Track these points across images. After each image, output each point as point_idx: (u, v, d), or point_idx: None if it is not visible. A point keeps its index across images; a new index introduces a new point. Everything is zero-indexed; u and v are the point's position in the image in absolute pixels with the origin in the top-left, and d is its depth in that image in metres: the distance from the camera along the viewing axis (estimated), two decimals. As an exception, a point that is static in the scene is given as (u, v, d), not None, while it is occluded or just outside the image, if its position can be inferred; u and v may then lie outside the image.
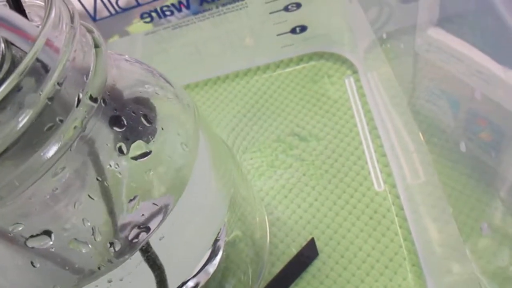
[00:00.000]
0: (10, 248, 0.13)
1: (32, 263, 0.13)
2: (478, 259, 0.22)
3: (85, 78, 0.13)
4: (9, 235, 0.13)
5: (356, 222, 0.26)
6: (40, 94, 0.11)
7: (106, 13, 0.30)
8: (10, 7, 0.13)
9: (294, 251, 0.26)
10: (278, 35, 0.31)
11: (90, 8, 0.30)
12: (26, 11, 0.14)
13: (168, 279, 0.16)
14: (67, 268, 0.13)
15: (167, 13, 0.31)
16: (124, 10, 0.30)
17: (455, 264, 0.23)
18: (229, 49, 0.32)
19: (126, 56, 0.18)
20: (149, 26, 0.32)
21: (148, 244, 0.14)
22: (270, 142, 0.30)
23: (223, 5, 0.30)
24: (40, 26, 0.15)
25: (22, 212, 0.12)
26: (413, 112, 0.28)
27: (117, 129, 0.14)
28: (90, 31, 0.14)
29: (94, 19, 0.31)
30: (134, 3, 0.30)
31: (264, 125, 0.31)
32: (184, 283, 0.19)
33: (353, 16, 0.30)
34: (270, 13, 0.30)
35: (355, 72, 0.31)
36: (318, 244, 0.26)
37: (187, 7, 0.31)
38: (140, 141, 0.14)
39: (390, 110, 0.29)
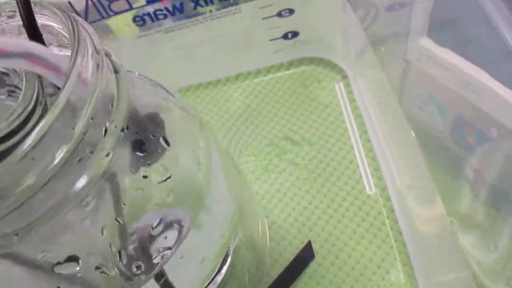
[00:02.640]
0: (37, 275, 0.13)
1: (59, 288, 0.13)
2: (473, 256, 0.24)
3: (110, 107, 0.13)
4: (37, 262, 0.13)
5: (350, 224, 0.27)
6: (74, 130, 0.11)
7: (98, 16, 0.30)
8: (27, 34, 0.13)
9: (291, 253, 0.27)
10: (270, 40, 0.32)
11: (81, 11, 0.30)
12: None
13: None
14: (93, 290, 0.14)
15: (160, 16, 0.31)
16: (117, 13, 0.30)
17: (444, 263, 0.24)
18: (221, 53, 0.33)
19: (136, 73, 0.18)
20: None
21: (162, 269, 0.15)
22: (263, 147, 0.31)
23: (217, 9, 0.30)
24: (61, 51, 0.15)
25: (51, 240, 0.13)
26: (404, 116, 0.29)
27: (139, 154, 0.14)
28: (107, 55, 0.14)
29: (85, 23, 0.30)
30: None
31: (256, 130, 0.32)
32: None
33: (346, 23, 0.31)
34: (263, 18, 0.30)
35: (344, 77, 0.32)
36: (314, 246, 0.27)
37: (181, 11, 0.31)
38: (161, 164, 0.15)
39: (379, 114, 0.30)
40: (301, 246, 0.27)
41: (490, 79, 0.22)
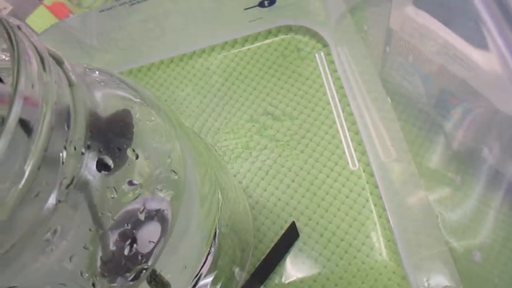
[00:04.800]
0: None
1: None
2: (449, 233, 0.24)
3: (66, 127, 0.12)
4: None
5: (333, 202, 0.27)
6: (25, 168, 0.10)
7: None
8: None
9: (275, 232, 0.27)
10: (245, 9, 0.29)
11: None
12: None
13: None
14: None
15: (124, -12, 0.28)
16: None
17: (427, 239, 0.24)
18: (192, 23, 0.31)
19: (96, 72, 0.16)
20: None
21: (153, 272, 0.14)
22: (243, 123, 0.30)
23: (185, -22, 0.28)
24: (6, 57, 0.13)
25: (16, 275, 0.12)
26: (384, 87, 0.28)
27: (105, 172, 0.13)
28: (59, 63, 0.13)
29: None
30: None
31: (236, 105, 0.30)
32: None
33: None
34: (237, -14, 0.28)
35: (325, 45, 0.31)
36: (298, 225, 0.26)
37: (145, -19, 0.28)
38: (130, 181, 0.14)
39: (361, 86, 0.29)
40: (285, 225, 0.27)
41: (479, 52, 0.21)
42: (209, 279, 0.20)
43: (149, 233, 0.14)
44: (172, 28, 0.31)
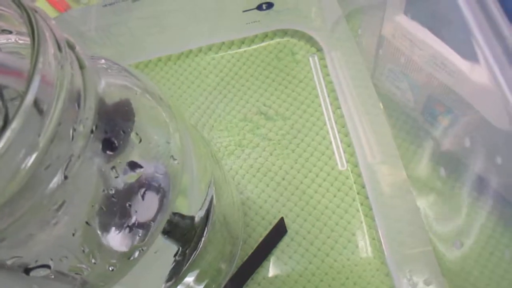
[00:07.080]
0: (7, 277, 0.13)
1: (33, 290, 0.13)
2: (433, 232, 0.25)
3: (77, 106, 0.12)
4: (6, 266, 0.13)
5: (322, 200, 0.28)
6: (40, 138, 0.11)
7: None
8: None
9: (264, 228, 0.27)
10: (244, 11, 0.30)
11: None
12: None
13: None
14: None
15: (127, -15, 0.29)
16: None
17: (410, 238, 0.25)
18: (192, 23, 0.31)
19: (102, 60, 0.17)
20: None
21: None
22: (237, 121, 0.30)
23: (187, -22, 0.29)
24: (20, 40, 0.14)
25: (21, 246, 0.12)
26: (376, 91, 0.29)
27: (109, 153, 0.14)
28: (71, 47, 0.14)
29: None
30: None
31: (230, 104, 0.31)
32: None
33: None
34: (236, -12, 0.29)
35: (319, 50, 0.32)
36: (286, 221, 0.27)
37: (148, -21, 0.29)
38: (132, 162, 0.14)
39: (352, 90, 0.30)
40: (274, 221, 0.27)
41: (465, 62, 0.22)
42: (196, 273, 0.21)
43: (148, 212, 0.15)
44: (172, 26, 0.31)
